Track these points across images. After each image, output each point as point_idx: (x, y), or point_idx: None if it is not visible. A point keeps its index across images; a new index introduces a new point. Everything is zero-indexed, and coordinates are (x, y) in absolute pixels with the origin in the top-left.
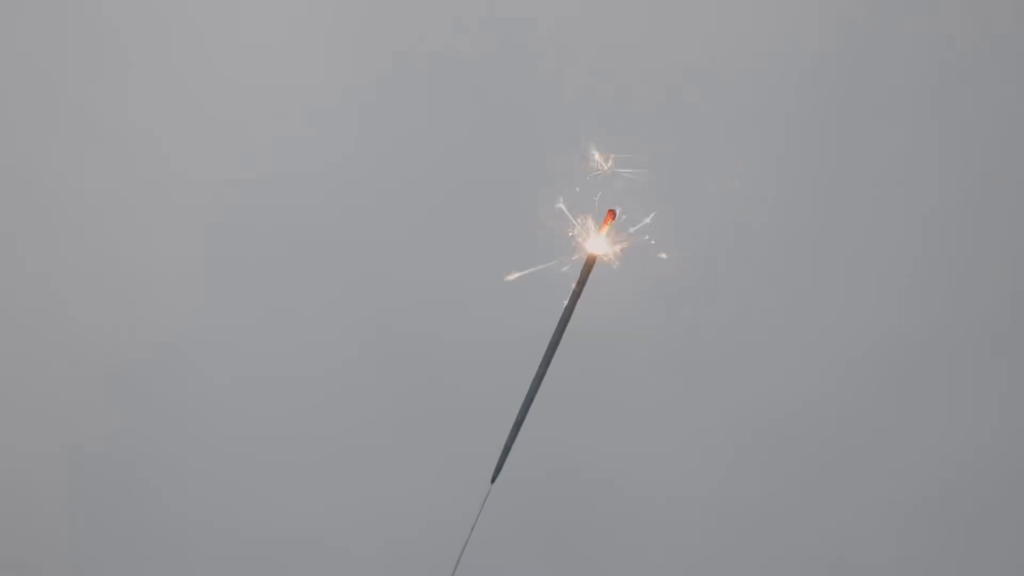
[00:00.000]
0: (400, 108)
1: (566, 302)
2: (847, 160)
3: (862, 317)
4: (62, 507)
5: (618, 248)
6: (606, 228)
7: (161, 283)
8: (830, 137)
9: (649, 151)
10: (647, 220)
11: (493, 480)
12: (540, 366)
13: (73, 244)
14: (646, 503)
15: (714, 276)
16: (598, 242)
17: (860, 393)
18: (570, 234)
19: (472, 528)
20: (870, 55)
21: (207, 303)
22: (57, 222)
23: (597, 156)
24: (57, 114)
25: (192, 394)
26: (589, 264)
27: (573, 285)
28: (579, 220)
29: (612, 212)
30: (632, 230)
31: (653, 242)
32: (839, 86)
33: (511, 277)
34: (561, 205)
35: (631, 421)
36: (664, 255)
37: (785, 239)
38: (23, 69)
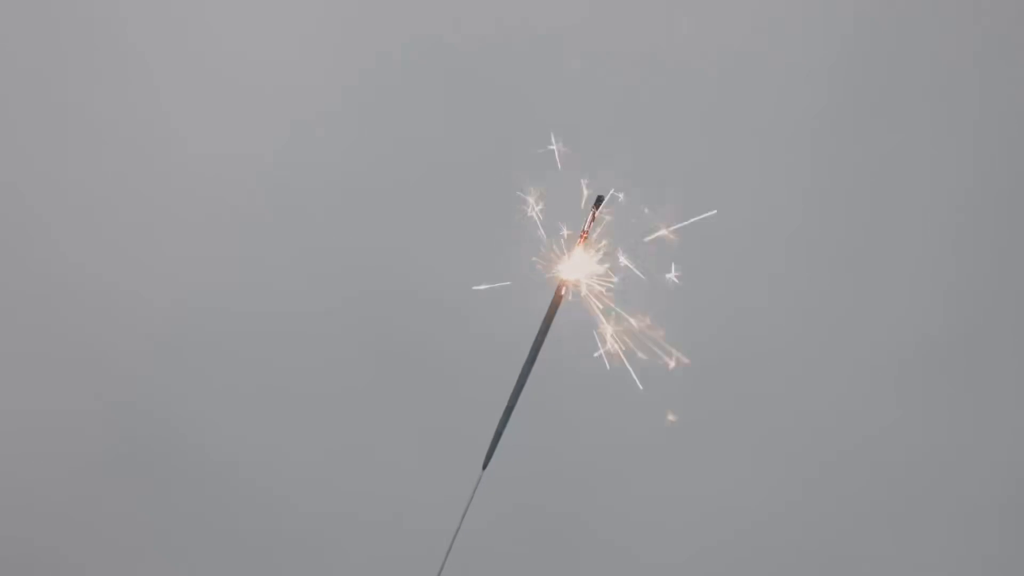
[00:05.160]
0: (400, 110)
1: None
2: (851, 163)
3: (868, 323)
4: (107, 457)
5: (593, 274)
6: (591, 225)
7: (191, 267)
8: (832, 141)
9: (649, 155)
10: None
11: (484, 466)
12: (530, 352)
13: (119, 230)
14: (637, 493)
15: (713, 277)
16: (574, 265)
17: (862, 396)
18: (539, 259)
19: (464, 514)
20: (875, 56)
21: (229, 287)
22: (107, 213)
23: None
24: (94, 115)
25: (217, 368)
26: (557, 299)
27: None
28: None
29: (600, 199)
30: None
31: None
32: (857, 86)
33: (480, 288)
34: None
35: (624, 410)
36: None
37: (788, 245)
38: (52, 73)
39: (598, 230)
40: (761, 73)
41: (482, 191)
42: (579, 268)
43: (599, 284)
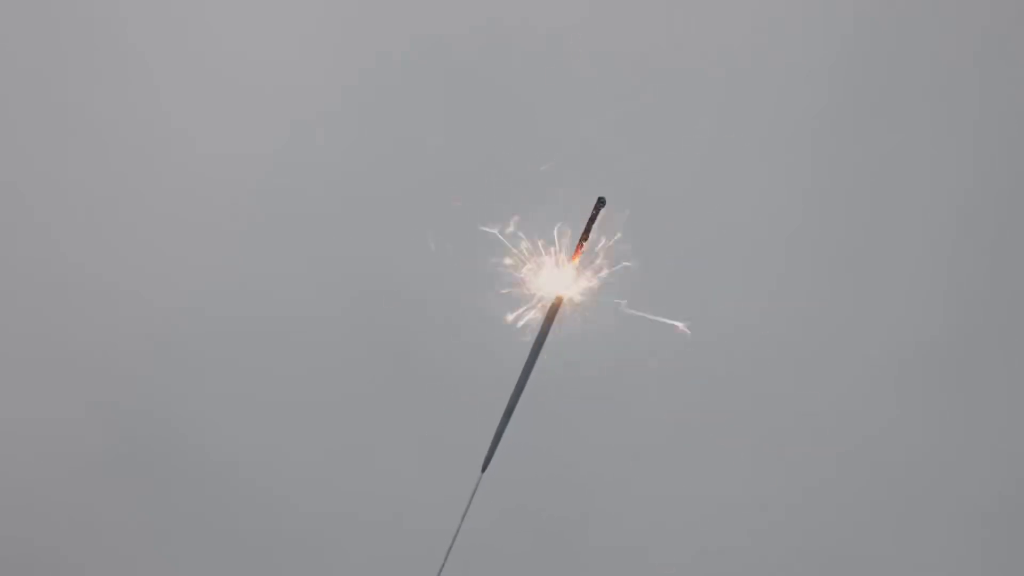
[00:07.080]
0: (400, 111)
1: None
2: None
3: (868, 324)
4: (100, 457)
5: (588, 283)
6: (591, 228)
7: (191, 267)
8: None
9: (648, 156)
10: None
11: (484, 469)
12: (529, 355)
13: (119, 230)
14: (637, 494)
15: (714, 278)
16: (568, 276)
17: (862, 396)
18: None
19: (463, 516)
20: (875, 56)
21: (227, 288)
22: (107, 213)
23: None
24: (98, 119)
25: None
26: (554, 309)
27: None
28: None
29: (602, 201)
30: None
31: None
32: (857, 86)
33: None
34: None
35: (623, 411)
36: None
37: (788, 245)
38: (60, 77)
39: (599, 242)
40: (761, 73)
41: (482, 192)
42: (576, 279)
43: (595, 287)
